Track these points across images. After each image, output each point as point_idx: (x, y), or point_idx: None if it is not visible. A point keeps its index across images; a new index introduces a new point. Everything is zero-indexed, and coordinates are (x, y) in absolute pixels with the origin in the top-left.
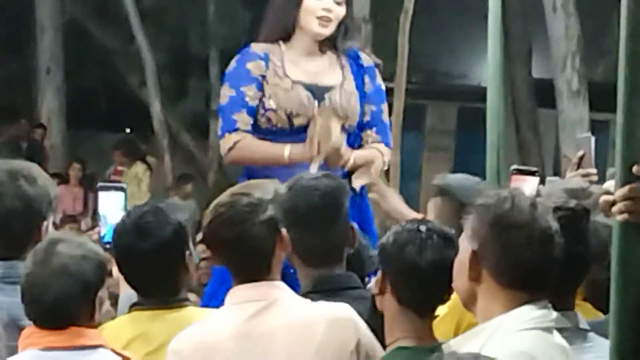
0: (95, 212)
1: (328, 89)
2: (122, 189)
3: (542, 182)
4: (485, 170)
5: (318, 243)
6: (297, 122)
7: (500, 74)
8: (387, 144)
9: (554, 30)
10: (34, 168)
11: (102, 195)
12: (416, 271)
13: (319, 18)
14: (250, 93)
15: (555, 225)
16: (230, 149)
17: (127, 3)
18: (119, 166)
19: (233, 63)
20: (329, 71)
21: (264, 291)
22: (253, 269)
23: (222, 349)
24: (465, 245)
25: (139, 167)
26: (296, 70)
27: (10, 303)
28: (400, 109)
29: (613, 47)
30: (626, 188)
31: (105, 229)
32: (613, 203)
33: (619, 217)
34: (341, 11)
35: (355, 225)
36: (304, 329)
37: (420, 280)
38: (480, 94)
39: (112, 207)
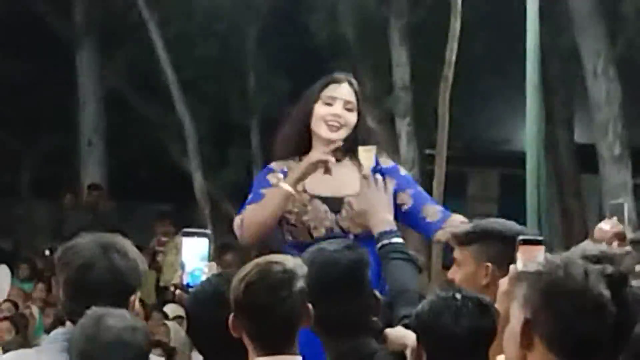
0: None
1: (346, 199)
2: (205, 235)
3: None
4: None
5: (342, 315)
6: (317, 233)
7: (539, 140)
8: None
9: (595, 95)
10: (125, 242)
11: (185, 241)
12: (452, 339)
13: (328, 123)
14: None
15: (607, 293)
16: (240, 226)
17: (167, 74)
18: (162, 237)
19: (254, 180)
20: (348, 180)
21: None
22: (280, 340)
23: None
24: (517, 314)
25: (180, 238)
26: (314, 183)
27: None
28: (441, 177)
29: None
30: None
31: (187, 276)
32: None
33: None
34: (352, 117)
35: (377, 293)
36: None
37: (457, 348)
38: (522, 160)
39: (193, 254)
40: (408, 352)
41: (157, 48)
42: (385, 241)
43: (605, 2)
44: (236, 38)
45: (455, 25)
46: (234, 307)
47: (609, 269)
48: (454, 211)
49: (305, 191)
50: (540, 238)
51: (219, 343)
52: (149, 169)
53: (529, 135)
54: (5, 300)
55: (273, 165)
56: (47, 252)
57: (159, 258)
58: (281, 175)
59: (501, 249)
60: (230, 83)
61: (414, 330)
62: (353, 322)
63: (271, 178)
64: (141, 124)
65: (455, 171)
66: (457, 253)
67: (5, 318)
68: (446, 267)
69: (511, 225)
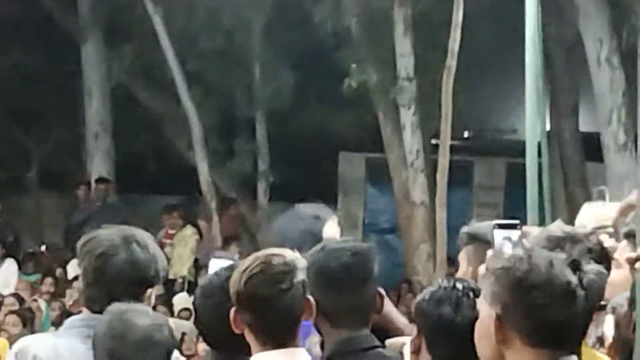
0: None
1: None
2: (233, 260)
3: None
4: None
5: (346, 304)
6: None
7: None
8: None
9: (599, 83)
10: (147, 236)
11: (213, 262)
12: (453, 328)
13: None
14: None
15: (574, 278)
16: None
17: (172, 67)
18: (170, 229)
19: None
20: None
21: (291, 358)
22: (282, 333)
23: None
24: (486, 309)
25: (188, 231)
26: None
27: None
28: (445, 167)
29: None
30: None
31: None
32: (637, 259)
33: None
34: None
35: (382, 292)
36: None
37: (457, 337)
38: None
39: None
40: (405, 348)
41: (162, 41)
42: None
43: None
44: (241, 31)
45: (458, 14)
46: (235, 300)
47: (561, 255)
48: (460, 200)
49: None
50: (516, 222)
51: (224, 334)
52: (156, 162)
53: (528, 124)
54: (11, 294)
55: None
56: (43, 248)
57: (167, 250)
58: None
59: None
60: (235, 75)
61: (414, 318)
62: (355, 314)
63: None
64: (147, 117)
65: (461, 160)
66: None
67: (12, 312)
68: (449, 258)
69: None
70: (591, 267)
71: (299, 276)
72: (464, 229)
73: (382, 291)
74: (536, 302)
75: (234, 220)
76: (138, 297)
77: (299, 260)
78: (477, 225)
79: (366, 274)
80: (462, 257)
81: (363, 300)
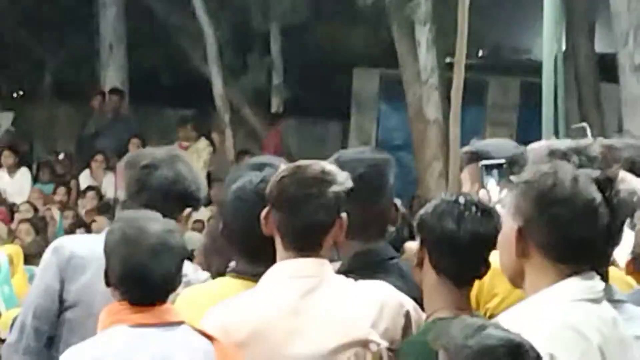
0: None
1: None
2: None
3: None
4: None
5: (361, 215)
6: None
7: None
8: None
9: (616, 3)
10: (192, 161)
11: None
12: (455, 241)
13: None
14: None
15: (598, 196)
16: None
17: None
18: (183, 142)
19: None
20: None
21: (317, 268)
22: (310, 240)
23: (273, 324)
24: (509, 222)
25: (201, 144)
26: None
27: None
28: (460, 85)
29: None
30: None
31: None
32: None
33: None
34: None
35: (399, 203)
36: (357, 309)
37: (459, 250)
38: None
39: None
40: None
41: None
42: None
43: None
44: None
45: None
46: (268, 200)
47: (596, 173)
48: (473, 118)
49: None
50: (502, 161)
51: (254, 239)
52: (170, 75)
53: (545, 43)
54: (25, 202)
55: None
56: (61, 156)
57: None
58: None
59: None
60: None
61: (417, 231)
62: (371, 226)
63: None
64: (162, 30)
65: (475, 79)
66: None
67: (25, 220)
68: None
69: (507, 148)
70: (625, 186)
71: (334, 189)
72: (465, 149)
73: (398, 202)
74: (558, 216)
75: (280, 135)
76: (175, 214)
77: (340, 175)
78: (479, 144)
79: (382, 185)
80: (465, 177)
81: (379, 211)
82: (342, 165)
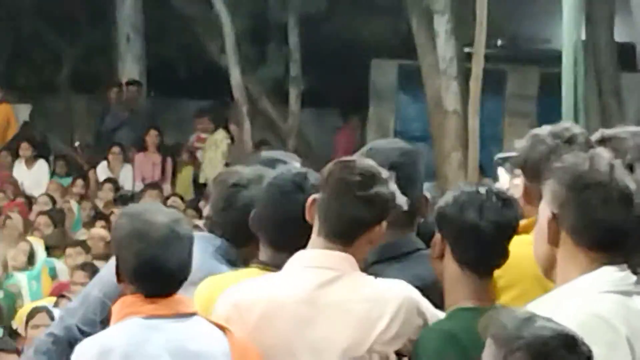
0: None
1: None
2: None
3: None
4: None
5: None
6: None
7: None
8: None
9: None
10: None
11: None
12: (476, 231)
13: None
14: None
15: (633, 185)
16: None
17: None
18: (201, 133)
19: None
20: None
21: (340, 262)
22: (343, 230)
23: (286, 310)
24: (545, 210)
25: (219, 135)
26: None
27: None
28: (479, 74)
29: None
30: None
31: None
32: None
33: None
34: None
35: (429, 195)
36: (372, 306)
37: (481, 241)
38: (562, 58)
39: None
40: None
41: None
42: None
43: None
44: None
45: None
46: (320, 184)
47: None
48: (492, 109)
49: None
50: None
51: (288, 229)
52: (187, 66)
53: (565, 33)
54: (43, 194)
55: None
56: (76, 144)
57: (198, 155)
58: None
59: None
60: None
61: (437, 223)
62: (401, 216)
63: None
64: (179, 21)
65: (494, 69)
66: None
67: (44, 212)
68: (481, 167)
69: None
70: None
71: (384, 190)
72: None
73: (428, 195)
74: (590, 199)
75: (354, 133)
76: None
77: (392, 184)
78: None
79: (414, 175)
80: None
81: (410, 202)
82: (374, 154)
